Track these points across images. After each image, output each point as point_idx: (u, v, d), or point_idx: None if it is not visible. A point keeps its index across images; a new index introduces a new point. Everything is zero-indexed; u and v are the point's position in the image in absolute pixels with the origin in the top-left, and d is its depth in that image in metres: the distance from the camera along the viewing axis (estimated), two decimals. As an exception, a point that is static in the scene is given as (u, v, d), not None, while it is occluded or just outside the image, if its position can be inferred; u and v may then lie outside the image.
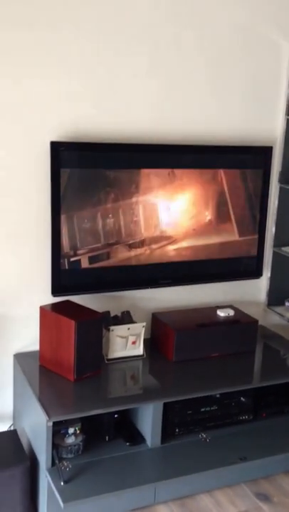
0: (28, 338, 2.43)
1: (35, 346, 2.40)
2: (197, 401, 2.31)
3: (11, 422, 2.47)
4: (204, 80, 2.56)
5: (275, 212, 2.85)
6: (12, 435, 2.26)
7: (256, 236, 2.75)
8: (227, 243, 2.71)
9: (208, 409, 2.35)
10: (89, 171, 2.35)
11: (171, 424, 2.29)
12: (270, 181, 2.74)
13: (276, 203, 2.84)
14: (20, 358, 2.40)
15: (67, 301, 2.39)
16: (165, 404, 2.22)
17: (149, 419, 2.23)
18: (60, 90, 2.28)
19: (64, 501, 1.93)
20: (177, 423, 2.30)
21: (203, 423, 2.35)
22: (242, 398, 2.40)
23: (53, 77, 2.26)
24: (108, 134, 2.39)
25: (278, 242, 2.89)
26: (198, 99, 2.57)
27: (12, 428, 2.44)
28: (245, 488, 2.26)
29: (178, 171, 2.51)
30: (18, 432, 2.29)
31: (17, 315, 2.41)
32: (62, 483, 1.99)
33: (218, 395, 2.36)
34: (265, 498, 2.22)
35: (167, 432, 2.27)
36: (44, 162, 2.27)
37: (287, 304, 2.93)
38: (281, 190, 2.82)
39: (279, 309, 2.92)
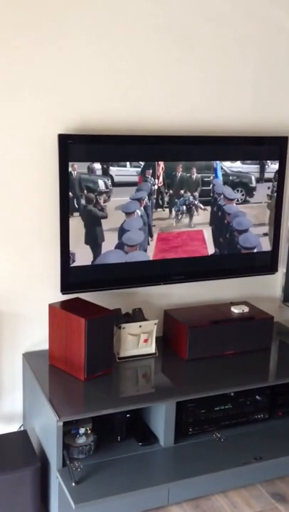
0: (37, 336, 2.40)
1: (45, 345, 2.37)
2: (211, 400, 2.26)
3: (21, 423, 2.44)
4: (216, 69, 2.50)
5: (290, 205, 2.78)
6: (22, 436, 2.23)
7: (271, 230, 2.69)
8: (240, 237, 2.65)
9: (222, 408, 2.30)
10: (98, 164, 2.30)
11: (185, 423, 2.24)
12: (286, 173, 2.67)
13: (291, 196, 2.77)
14: (29, 357, 2.36)
15: (77, 299, 2.35)
16: (178, 403, 2.18)
17: (161, 419, 2.18)
18: (67, 81, 2.24)
19: (75, 502, 1.89)
20: (191, 422, 2.25)
21: (217, 422, 2.29)
22: (257, 396, 2.35)
23: (61, 68, 2.22)
24: (117, 127, 2.34)
25: (294, 236, 2.82)
26: (209, 89, 2.51)
27: (22, 428, 2.40)
28: (261, 489, 2.21)
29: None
30: (29, 433, 2.25)
31: (25, 313, 2.38)
32: (73, 484, 1.95)
33: (232, 394, 2.31)
34: (281, 498, 2.16)
35: (180, 431, 2.22)
36: (52, 156, 2.22)
37: (303, 299, 2.86)
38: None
39: (295, 305, 2.85)
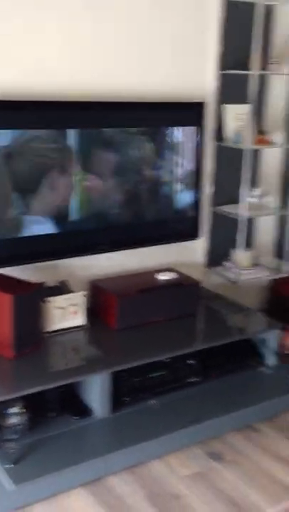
0: None
1: None
2: (144, 367, 2.25)
3: None
4: (132, 34, 2.43)
5: (212, 171, 2.79)
6: None
7: (193, 196, 2.69)
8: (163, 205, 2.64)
9: (156, 374, 2.29)
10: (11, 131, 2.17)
11: (120, 393, 2.21)
12: (205, 139, 2.67)
13: (212, 162, 2.78)
14: None
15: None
16: (112, 374, 2.14)
17: (96, 391, 2.14)
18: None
19: (15, 483, 1.82)
20: (126, 392, 2.22)
21: (152, 389, 2.28)
22: (190, 361, 2.36)
23: None
24: (32, 92, 2.22)
25: (216, 202, 2.84)
26: (125, 54, 2.44)
27: None
28: (198, 450, 2.24)
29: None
30: None
31: None
32: (10, 465, 1.87)
33: (165, 360, 2.31)
34: (217, 457, 2.21)
35: (116, 401, 2.19)
36: None
37: (225, 263, 2.91)
38: (218, 148, 2.77)
39: (218, 269, 2.90)
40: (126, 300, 2.39)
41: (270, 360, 2.55)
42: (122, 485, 2.04)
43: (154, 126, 2.53)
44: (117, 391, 2.19)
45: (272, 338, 2.54)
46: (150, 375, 2.28)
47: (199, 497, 2.00)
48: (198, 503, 1.98)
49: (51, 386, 2.03)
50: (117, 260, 2.63)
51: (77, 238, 2.45)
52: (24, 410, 2.04)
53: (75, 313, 2.35)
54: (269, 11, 2.73)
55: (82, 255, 2.49)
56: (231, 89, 2.71)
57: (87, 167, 2.37)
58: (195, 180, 2.68)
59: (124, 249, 2.60)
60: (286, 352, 2.65)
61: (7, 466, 1.87)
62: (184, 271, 2.70)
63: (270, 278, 2.98)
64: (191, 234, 2.76)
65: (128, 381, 2.22)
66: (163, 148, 2.57)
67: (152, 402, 2.25)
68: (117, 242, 2.54)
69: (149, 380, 2.28)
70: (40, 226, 2.32)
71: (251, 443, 2.28)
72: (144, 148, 2.51)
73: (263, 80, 2.79)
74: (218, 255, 2.91)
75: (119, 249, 2.59)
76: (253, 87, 2.58)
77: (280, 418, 2.43)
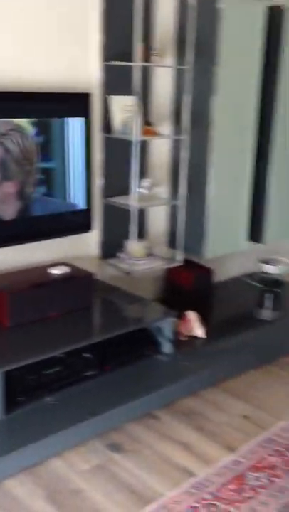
0: None
1: None
2: (39, 364, 2.19)
3: None
4: (14, 21, 2.34)
5: (101, 163, 2.78)
6: None
7: (84, 189, 2.66)
8: (54, 198, 2.59)
9: (51, 371, 2.25)
10: None
11: (13, 392, 2.14)
12: (93, 130, 2.65)
13: (101, 153, 2.77)
14: None
15: None
16: (4, 373, 2.06)
17: (-13, 392, 2.06)
18: None
19: None
20: (20, 391, 2.16)
21: (48, 386, 2.24)
22: (86, 354, 2.34)
23: None
24: None
25: (107, 193, 2.83)
26: (3, 41, 2.35)
27: None
28: (97, 443, 2.23)
29: None
30: None
31: None
32: None
33: (60, 355, 2.27)
34: (116, 448, 2.21)
35: (10, 401, 2.12)
36: None
37: (119, 255, 2.91)
38: (106, 139, 2.76)
39: (113, 261, 2.90)
40: (17, 296, 2.32)
41: (166, 347, 2.60)
42: (19, 487, 1.99)
43: (40, 118, 2.46)
44: (10, 391, 2.12)
45: (167, 326, 2.59)
46: (45, 372, 2.24)
47: (98, 490, 1.99)
48: (98, 495, 1.97)
49: None
50: (7, 256, 2.54)
51: None
52: None
53: None
54: (149, 2, 2.76)
55: None
56: (117, 81, 2.70)
57: None
58: (85, 172, 2.66)
59: (14, 245, 2.52)
60: (181, 339, 2.71)
61: None
62: (78, 264, 2.67)
63: (164, 267, 3.03)
64: (84, 226, 2.73)
65: (22, 380, 2.16)
66: (51, 139, 2.51)
67: (48, 398, 2.20)
68: (5, 237, 2.46)
69: (45, 377, 2.23)
70: None
71: (150, 430, 2.32)
72: (32, 139, 2.44)
73: (147, 72, 2.81)
74: (111, 247, 2.91)
75: (9, 245, 2.50)
76: (137, 78, 2.59)
77: (177, 404, 2.48)
